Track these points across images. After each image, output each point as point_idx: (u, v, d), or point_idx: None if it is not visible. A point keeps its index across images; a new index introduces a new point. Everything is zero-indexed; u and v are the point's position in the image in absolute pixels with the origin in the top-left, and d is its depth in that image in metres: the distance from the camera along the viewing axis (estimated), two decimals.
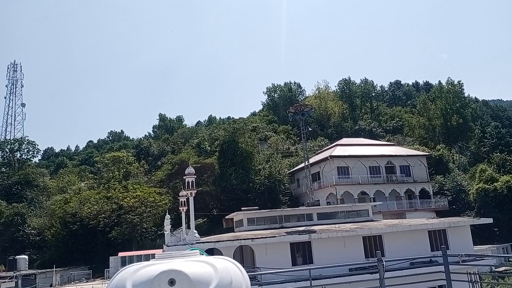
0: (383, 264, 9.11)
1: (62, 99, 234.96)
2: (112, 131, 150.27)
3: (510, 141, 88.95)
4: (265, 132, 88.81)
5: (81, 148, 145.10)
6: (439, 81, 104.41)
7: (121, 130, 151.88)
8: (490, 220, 31.73)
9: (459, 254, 12.40)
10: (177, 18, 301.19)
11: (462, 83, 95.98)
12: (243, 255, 28.44)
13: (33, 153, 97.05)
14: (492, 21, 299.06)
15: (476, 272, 11.41)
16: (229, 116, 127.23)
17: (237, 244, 25.18)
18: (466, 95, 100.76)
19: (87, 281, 49.09)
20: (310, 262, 25.27)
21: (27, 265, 53.62)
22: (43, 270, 51.42)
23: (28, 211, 67.37)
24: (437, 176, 63.42)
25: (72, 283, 49.14)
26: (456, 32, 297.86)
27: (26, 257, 55.03)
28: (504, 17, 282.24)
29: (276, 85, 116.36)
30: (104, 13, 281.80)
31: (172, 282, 2.08)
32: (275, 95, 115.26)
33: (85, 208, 57.25)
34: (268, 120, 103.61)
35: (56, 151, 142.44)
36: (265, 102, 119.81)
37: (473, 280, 9.95)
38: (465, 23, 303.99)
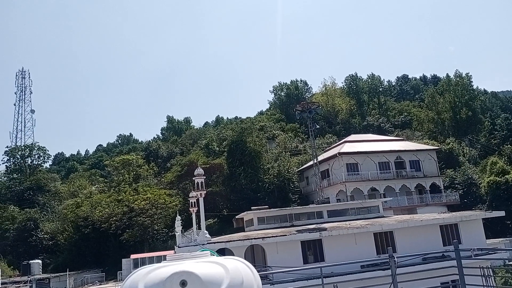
0: (394, 260, 9.08)
1: (71, 104, 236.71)
2: (121, 134, 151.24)
3: None
4: (273, 131, 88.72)
5: (90, 152, 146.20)
6: (447, 74, 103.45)
7: (130, 133, 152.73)
8: (502, 213, 31.48)
9: (471, 249, 12.31)
10: (181, 20, 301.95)
11: (471, 76, 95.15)
12: (254, 255, 28.49)
13: (44, 159, 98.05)
14: (499, 11, 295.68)
15: (489, 266, 11.32)
16: (236, 116, 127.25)
17: (248, 243, 25.23)
18: (474, 87, 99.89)
19: (100, 284, 49.52)
20: (321, 260, 25.26)
21: (40, 270, 54.18)
22: (57, 274, 51.92)
23: (40, 216, 68.04)
24: (448, 170, 62.93)
25: (86, 286, 49.60)
26: (462, 24, 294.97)
27: (40, 261, 55.60)
28: (509, 7, 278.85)
29: (282, 83, 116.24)
30: (109, 17, 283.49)
31: (183, 283, 2.11)
32: (282, 93, 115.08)
33: (97, 211, 57.68)
34: (276, 119, 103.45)
35: (67, 156, 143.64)
36: (272, 100, 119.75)
37: (486, 274, 9.88)
38: (472, 14, 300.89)
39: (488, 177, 57.62)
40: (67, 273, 49.75)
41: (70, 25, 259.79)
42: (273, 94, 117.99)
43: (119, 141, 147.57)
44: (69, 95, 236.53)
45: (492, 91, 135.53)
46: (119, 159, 76.34)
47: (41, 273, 53.34)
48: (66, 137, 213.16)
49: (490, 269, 10.27)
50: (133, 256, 47.72)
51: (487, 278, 9.85)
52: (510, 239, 48.34)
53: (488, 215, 31.68)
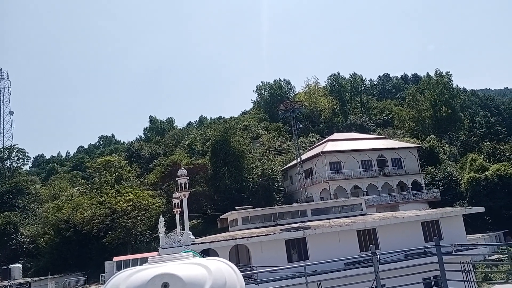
0: (377, 257, 9.18)
1: (51, 105, 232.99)
2: (102, 135, 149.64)
3: (499, 130, 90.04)
4: (257, 130, 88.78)
5: (71, 154, 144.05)
6: (427, 72, 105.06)
7: (112, 134, 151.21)
8: (482, 209, 32.04)
9: (452, 244, 12.52)
10: (165, 21, 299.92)
11: (451, 74, 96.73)
12: (239, 254, 28.46)
13: (23, 161, 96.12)
14: (478, 11, 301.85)
15: (470, 262, 11.54)
16: (220, 116, 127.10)
17: (232, 243, 25.17)
18: (454, 85, 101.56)
19: (82, 287, 48.83)
20: (305, 258, 25.36)
21: (21, 274, 53.16)
22: (38, 278, 51.01)
23: (20, 219, 66.74)
24: (429, 167, 63.90)
25: None
26: (442, 23, 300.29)
27: (20, 265, 54.56)
28: (490, 6, 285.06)
29: (265, 83, 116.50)
30: (92, 17, 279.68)
31: (165, 286, 2.08)
32: (265, 93, 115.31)
33: (78, 214, 56.82)
34: (259, 118, 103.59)
35: (47, 158, 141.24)
36: (256, 100, 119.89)
37: (467, 269, 10.06)
38: (451, 14, 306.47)
39: (468, 174, 58.68)
40: (49, 277, 48.93)
41: (50, 24, 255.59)
42: (256, 93, 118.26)
43: (101, 142, 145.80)
44: (49, 96, 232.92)
45: (471, 89, 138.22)
46: (100, 160, 75.37)
47: (21, 277, 52.34)
48: (46, 138, 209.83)
49: (471, 264, 10.47)
50: (116, 259, 47.18)
51: (468, 273, 10.02)
52: (490, 235, 49.37)
53: (468, 211, 32.22)
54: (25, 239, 62.38)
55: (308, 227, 26.49)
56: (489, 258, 37.06)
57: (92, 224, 54.84)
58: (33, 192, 79.13)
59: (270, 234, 25.40)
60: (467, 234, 32.34)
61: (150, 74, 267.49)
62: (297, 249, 26.03)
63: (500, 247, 39.10)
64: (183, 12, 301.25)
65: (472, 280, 10.15)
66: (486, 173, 56.53)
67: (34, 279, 51.02)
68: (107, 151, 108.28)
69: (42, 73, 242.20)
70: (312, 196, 52.86)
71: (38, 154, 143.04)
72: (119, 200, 56.81)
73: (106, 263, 47.80)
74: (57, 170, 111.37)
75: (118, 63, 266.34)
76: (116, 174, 72.52)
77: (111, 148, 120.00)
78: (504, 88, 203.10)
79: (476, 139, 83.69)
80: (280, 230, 26.64)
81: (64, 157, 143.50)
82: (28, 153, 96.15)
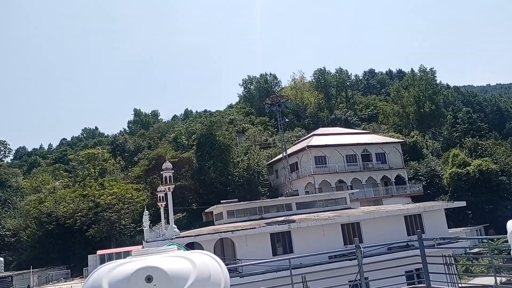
0: (361, 251, 9.27)
1: (34, 97, 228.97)
2: (86, 128, 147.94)
3: (481, 126, 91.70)
4: (243, 124, 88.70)
5: (54, 146, 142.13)
6: (412, 68, 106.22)
7: (96, 127, 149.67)
8: (463, 203, 32.62)
9: (434, 238, 12.71)
10: (152, 12, 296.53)
11: (435, 70, 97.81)
12: (224, 248, 28.49)
13: (5, 153, 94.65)
14: (462, 9, 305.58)
15: (451, 255, 11.72)
16: (205, 109, 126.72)
17: (218, 237, 25.17)
18: (438, 81, 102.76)
19: (65, 281, 48.39)
20: (290, 251, 25.51)
21: (2, 267, 52.46)
22: (20, 272, 50.39)
23: (1, 212, 65.81)
24: (412, 162, 64.69)
25: (50, 283, 48.38)
26: (426, 20, 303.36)
27: (2, 259, 53.84)
28: (474, 5, 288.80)
29: (252, 76, 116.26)
30: (78, 6, 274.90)
31: (149, 278, 2.05)
32: (251, 87, 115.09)
33: (61, 207, 56.19)
34: (245, 112, 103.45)
35: (29, 150, 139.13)
36: (242, 94, 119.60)
37: (448, 262, 10.22)
38: (436, 11, 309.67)
39: (450, 169, 59.60)
40: (31, 270, 48.36)
41: (33, 15, 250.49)
42: (242, 87, 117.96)
43: (84, 135, 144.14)
44: (32, 87, 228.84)
45: (455, 86, 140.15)
46: (84, 153, 74.54)
47: (3, 271, 51.65)
48: (28, 130, 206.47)
49: (452, 257, 10.63)
50: (99, 252, 46.83)
51: (449, 266, 10.19)
52: (471, 229, 50.35)
53: (450, 205, 32.80)
54: (7, 232, 61.51)
55: (293, 221, 26.63)
56: (470, 251, 37.82)
57: (75, 217, 54.30)
58: (14, 184, 78.03)
59: (255, 228, 25.47)
60: (448, 228, 32.90)
61: (135, 66, 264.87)
62: (282, 242, 26.16)
63: (481, 241, 39.92)
64: (170, 4, 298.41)
65: (453, 272, 10.33)
66: (468, 168, 57.46)
67: (16, 272, 50.39)
68: (91, 144, 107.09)
69: (24, 64, 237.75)
70: (297, 190, 53.13)
71: (20, 146, 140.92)
72: (103, 193, 56.32)
73: (90, 257, 47.42)
74: (39, 163, 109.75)
75: (103, 54, 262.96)
76: (100, 167, 71.82)
77: (95, 140, 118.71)
78: (487, 84, 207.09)
79: (458, 134, 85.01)
80: (265, 223, 26.72)
81: (46, 149, 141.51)
82: (9, 145, 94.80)
